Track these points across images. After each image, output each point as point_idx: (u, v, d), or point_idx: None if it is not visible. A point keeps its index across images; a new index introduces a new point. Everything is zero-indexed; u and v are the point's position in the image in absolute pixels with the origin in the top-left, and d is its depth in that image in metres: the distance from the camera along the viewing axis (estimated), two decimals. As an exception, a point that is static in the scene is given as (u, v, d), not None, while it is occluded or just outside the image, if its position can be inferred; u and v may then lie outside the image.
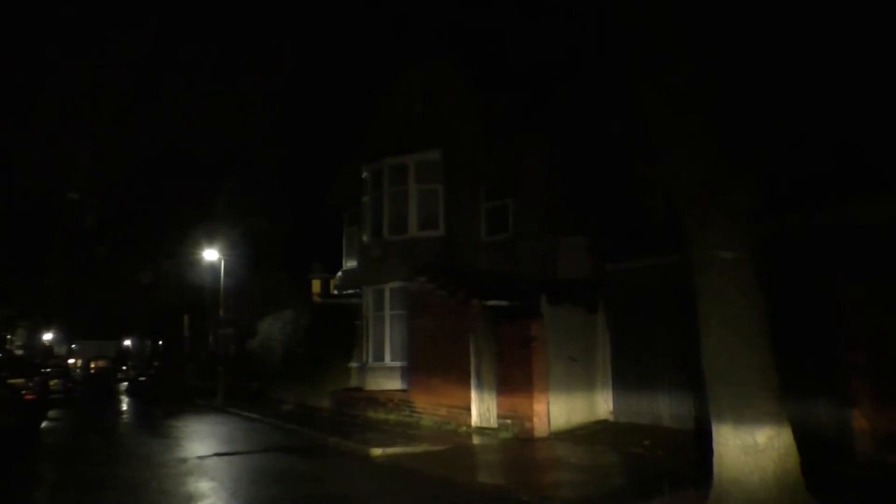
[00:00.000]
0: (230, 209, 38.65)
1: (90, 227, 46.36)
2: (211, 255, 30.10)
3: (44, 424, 21.79)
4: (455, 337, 15.74)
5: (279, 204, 38.39)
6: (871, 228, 9.52)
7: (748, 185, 6.63)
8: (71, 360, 79.11)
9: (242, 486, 10.33)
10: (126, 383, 48.28)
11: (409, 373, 17.60)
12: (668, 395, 13.07)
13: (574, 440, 13.10)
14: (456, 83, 19.41)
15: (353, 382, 21.50)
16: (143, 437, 17.63)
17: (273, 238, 37.38)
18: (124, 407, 30.32)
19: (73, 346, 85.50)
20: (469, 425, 15.14)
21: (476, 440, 14.11)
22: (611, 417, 14.47)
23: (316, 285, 36.35)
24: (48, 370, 37.71)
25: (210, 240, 30.53)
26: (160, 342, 65.07)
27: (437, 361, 16.32)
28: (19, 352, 63.82)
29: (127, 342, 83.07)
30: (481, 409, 15.07)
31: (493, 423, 14.66)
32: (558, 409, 13.99)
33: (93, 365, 75.86)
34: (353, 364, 21.78)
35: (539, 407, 13.73)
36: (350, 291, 22.86)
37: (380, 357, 19.36)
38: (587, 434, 13.55)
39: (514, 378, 14.14)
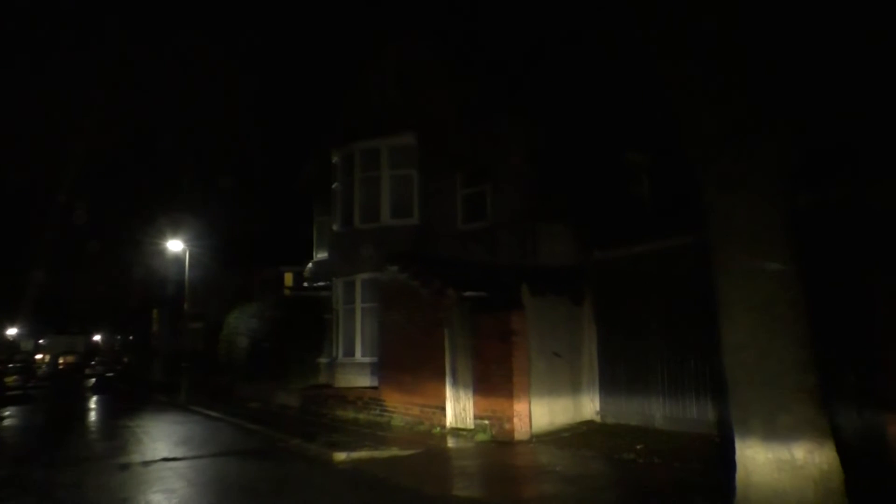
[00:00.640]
0: (196, 198, 37.41)
1: (56, 219, 44.81)
2: (175, 245, 28.66)
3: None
4: (429, 331, 14.63)
5: (250, 193, 37.27)
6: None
7: (782, 138, 5.40)
8: (39, 356, 77.27)
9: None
10: (94, 379, 46.82)
11: (380, 369, 16.50)
12: (661, 394, 11.98)
13: (558, 444, 11.97)
14: (432, 64, 18.35)
15: (323, 379, 20.55)
16: (91, 439, 16.30)
17: (244, 229, 36.36)
18: (84, 404, 28.83)
19: (42, 341, 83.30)
20: (443, 426, 14.02)
21: (451, 443, 12.96)
22: (597, 418, 13.40)
23: (289, 278, 35.64)
24: (9, 366, 36.49)
25: (175, 230, 29.11)
26: (130, 337, 63.46)
27: (409, 357, 15.21)
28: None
29: (97, 337, 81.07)
30: (457, 408, 13.94)
31: (470, 423, 13.52)
32: (541, 410, 12.88)
33: (61, 361, 73.90)
34: (323, 360, 20.87)
35: (520, 407, 12.59)
36: (321, 284, 22.03)
37: (350, 352, 18.31)
38: (572, 436, 12.44)
39: (492, 375, 12.99)
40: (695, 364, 11.19)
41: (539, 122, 15.85)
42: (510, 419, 12.54)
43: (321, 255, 22.28)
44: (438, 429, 14.02)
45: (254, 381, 24.42)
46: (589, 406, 13.59)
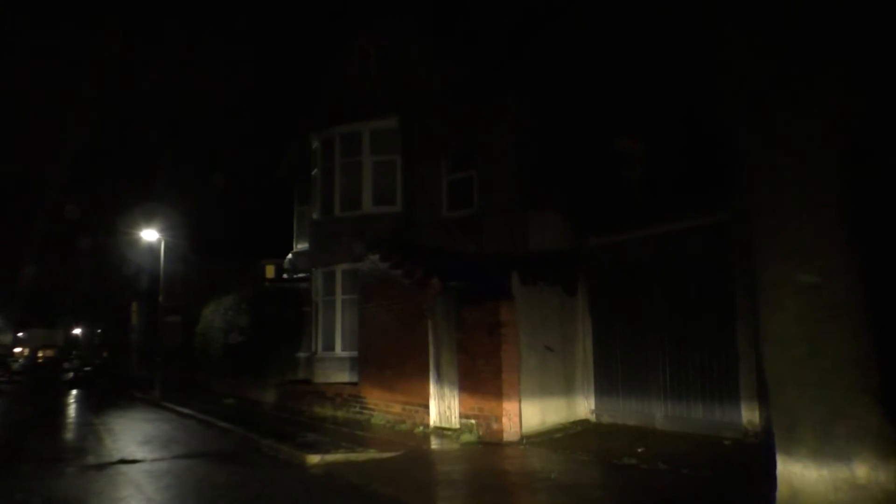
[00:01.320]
0: (173, 186, 36.37)
1: (34, 209, 43.61)
2: (150, 235, 27.49)
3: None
4: (412, 324, 13.72)
5: (231, 183, 36.28)
6: None
7: (840, 83, 4.43)
8: (17, 349, 75.98)
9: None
10: (71, 374, 45.70)
11: (360, 365, 15.59)
12: (662, 391, 11.05)
13: (551, 446, 11.03)
14: (416, 43, 17.36)
15: (302, 374, 19.69)
16: (49, 438, 15.18)
17: (225, 220, 35.44)
18: (55, 401, 27.71)
19: (20, 334, 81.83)
20: (427, 425, 13.10)
21: (434, 444, 12.01)
22: (592, 417, 12.50)
23: (270, 270, 34.93)
24: None
25: (150, 219, 27.94)
26: (109, 331, 62.24)
27: (391, 352, 14.29)
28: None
29: (77, 330, 79.59)
30: (441, 406, 13.00)
31: (455, 423, 12.57)
32: (531, 408, 11.94)
33: (40, 354, 72.82)
34: (302, 354, 20.03)
35: (509, 405, 11.64)
36: (301, 275, 21.09)
37: (330, 346, 17.40)
38: (566, 437, 11.51)
39: (479, 371, 12.05)
40: (701, 358, 10.27)
41: (529, 101, 14.87)
42: (498, 418, 11.61)
43: (301, 246, 21.36)
44: (421, 428, 13.10)
45: (230, 376, 23.44)
46: (583, 404, 12.68)
